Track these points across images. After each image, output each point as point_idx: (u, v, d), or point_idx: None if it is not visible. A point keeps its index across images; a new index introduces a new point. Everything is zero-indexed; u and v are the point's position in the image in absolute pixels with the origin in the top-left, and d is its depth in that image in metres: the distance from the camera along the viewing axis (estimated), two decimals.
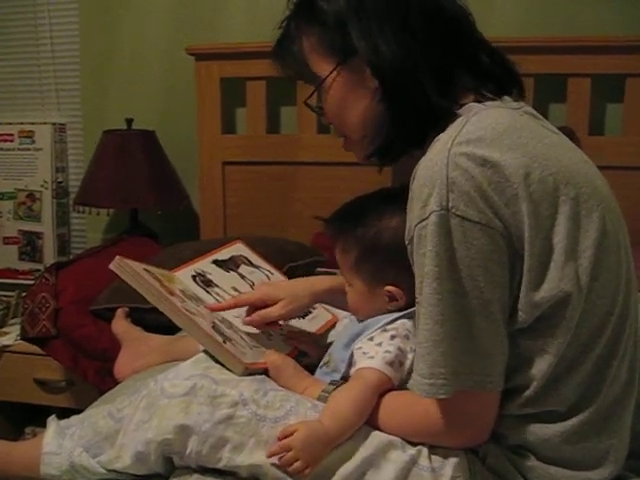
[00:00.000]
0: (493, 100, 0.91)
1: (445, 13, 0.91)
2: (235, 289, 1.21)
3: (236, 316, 1.13)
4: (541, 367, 0.84)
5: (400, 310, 1.00)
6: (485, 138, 0.82)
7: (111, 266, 1.02)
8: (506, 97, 0.94)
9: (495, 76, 0.94)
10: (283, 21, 0.99)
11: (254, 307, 1.11)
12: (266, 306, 1.10)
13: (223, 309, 1.12)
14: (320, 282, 1.15)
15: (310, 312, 1.25)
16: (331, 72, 0.93)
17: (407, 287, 0.96)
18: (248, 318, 1.10)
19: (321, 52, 0.94)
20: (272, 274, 1.32)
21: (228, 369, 0.96)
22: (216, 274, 1.22)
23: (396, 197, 0.95)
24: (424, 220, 0.81)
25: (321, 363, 1.08)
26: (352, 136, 0.98)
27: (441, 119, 0.88)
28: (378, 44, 0.88)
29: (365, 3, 0.89)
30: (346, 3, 0.90)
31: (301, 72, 0.98)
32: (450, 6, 0.92)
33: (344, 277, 1.06)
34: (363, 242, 1.00)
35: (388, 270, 0.99)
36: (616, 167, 1.85)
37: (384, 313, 1.01)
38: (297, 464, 0.86)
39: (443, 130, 0.87)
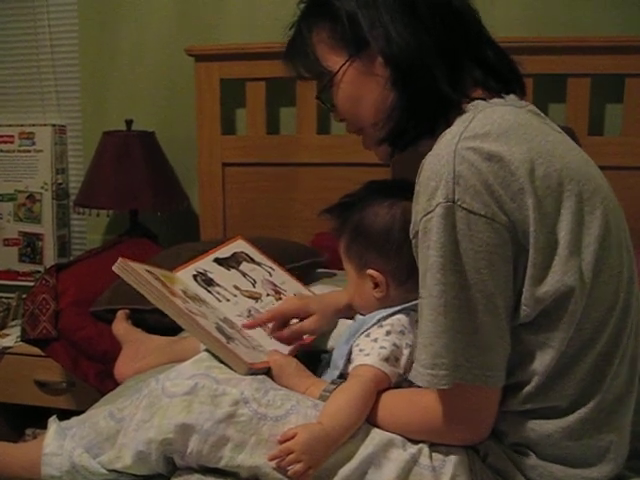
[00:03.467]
0: (499, 97, 0.93)
1: (452, 7, 0.93)
2: (236, 287, 1.21)
3: (238, 315, 1.13)
4: (543, 362, 0.84)
5: (390, 302, 1.02)
6: (492, 133, 0.83)
7: (114, 268, 1.03)
8: (511, 95, 0.95)
9: (500, 73, 0.96)
10: (294, 23, 1.01)
11: (281, 320, 1.14)
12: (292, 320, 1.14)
13: (260, 324, 1.13)
14: (342, 297, 1.16)
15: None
16: (343, 64, 0.95)
17: (389, 274, 1.01)
18: (279, 333, 1.12)
19: (333, 46, 0.96)
20: (273, 270, 1.32)
21: (231, 369, 0.96)
22: (217, 273, 1.22)
23: (388, 188, 1.01)
24: (430, 213, 0.81)
25: (325, 362, 1.08)
26: (364, 125, 0.99)
27: (450, 110, 0.90)
28: (390, 34, 0.91)
29: None
30: None
31: (312, 69, 1.00)
32: (457, 1, 0.94)
33: (344, 266, 1.09)
34: (350, 226, 1.04)
35: (369, 254, 1.02)
36: (616, 167, 1.85)
37: (373, 303, 1.04)
38: (298, 467, 0.86)
39: (450, 124, 0.88)
